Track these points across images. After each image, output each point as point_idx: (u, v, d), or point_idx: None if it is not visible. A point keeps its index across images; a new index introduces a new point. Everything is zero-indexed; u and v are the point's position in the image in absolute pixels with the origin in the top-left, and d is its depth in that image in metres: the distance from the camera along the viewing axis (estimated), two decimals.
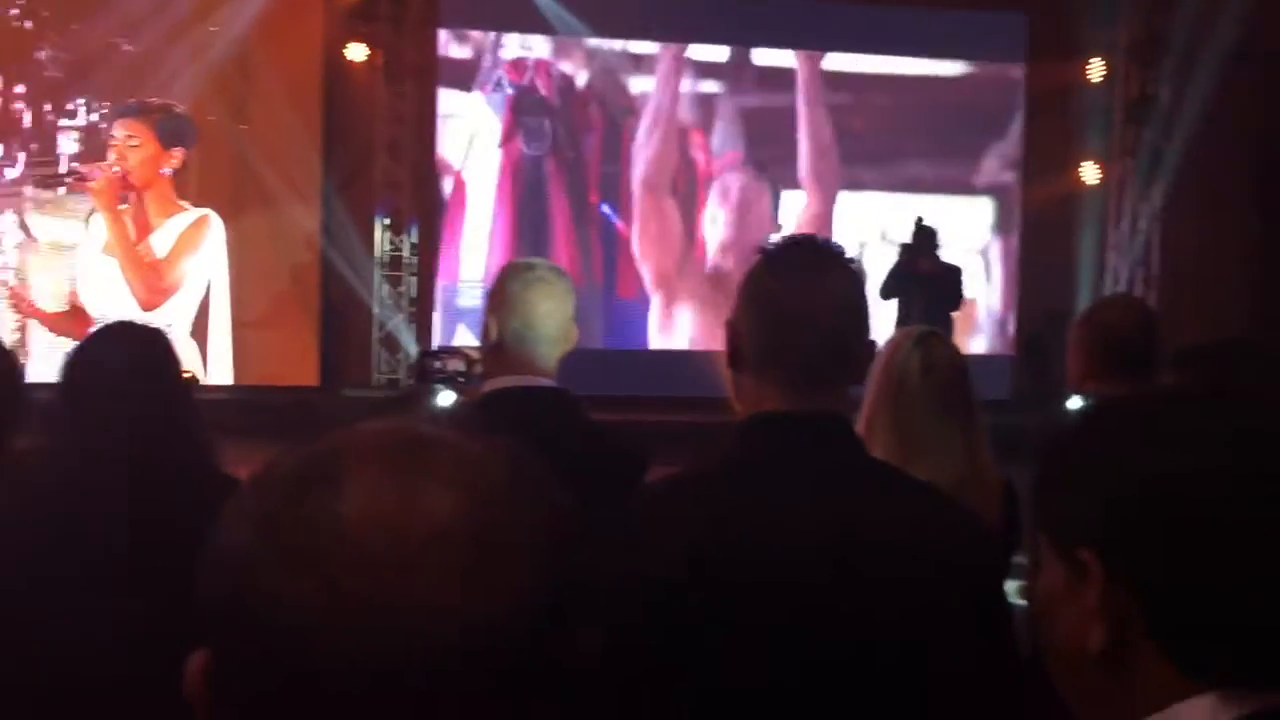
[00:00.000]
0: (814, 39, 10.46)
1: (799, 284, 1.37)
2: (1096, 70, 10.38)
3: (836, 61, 10.65)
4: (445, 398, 7.18)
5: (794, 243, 1.42)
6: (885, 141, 10.55)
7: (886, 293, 8.55)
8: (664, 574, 1.25)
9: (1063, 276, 10.49)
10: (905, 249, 8.61)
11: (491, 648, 0.61)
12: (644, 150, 10.41)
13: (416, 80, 9.90)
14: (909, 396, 2.27)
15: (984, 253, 10.88)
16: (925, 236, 8.54)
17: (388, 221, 9.92)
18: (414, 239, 10.00)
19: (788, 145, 10.55)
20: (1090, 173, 10.56)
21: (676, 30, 10.29)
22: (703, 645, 1.22)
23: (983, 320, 10.95)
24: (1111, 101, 10.49)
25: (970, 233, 10.62)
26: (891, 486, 1.37)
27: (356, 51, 9.62)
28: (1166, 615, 0.78)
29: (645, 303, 10.52)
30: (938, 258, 8.54)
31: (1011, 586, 2.48)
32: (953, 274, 8.62)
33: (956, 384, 2.32)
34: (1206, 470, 0.78)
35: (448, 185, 10.18)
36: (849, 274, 1.40)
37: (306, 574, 0.60)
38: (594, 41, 10.26)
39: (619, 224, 10.50)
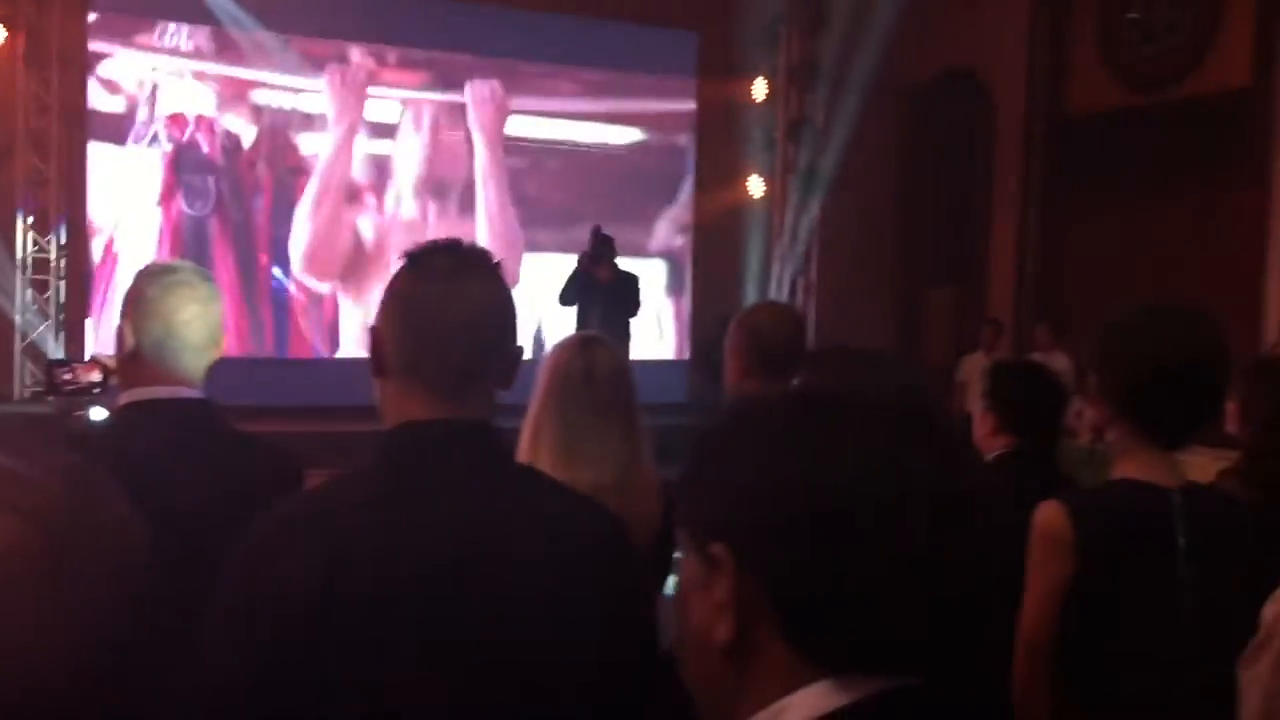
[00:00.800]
0: (492, 45, 10.49)
1: (443, 289, 1.34)
2: (759, 90, 11.01)
3: (514, 126, 10.76)
4: (97, 412, 6.65)
5: (438, 248, 1.39)
6: (561, 206, 10.70)
7: (565, 300, 8.69)
8: (296, 591, 1.19)
9: (733, 283, 11.07)
10: (583, 258, 8.72)
11: (76, 680, 0.56)
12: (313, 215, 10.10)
13: (65, 68, 9.13)
14: (572, 401, 2.29)
15: (658, 313, 11.25)
16: (603, 245, 8.68)
17: (30, 220, 9.08)
18: (62, 239, 9.21)
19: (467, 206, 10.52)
20: (756, 186, 11.20)
21: (347, 30, 10.01)
22: (334, 660, 1.18)
23: (663, 332, 11.38)
24: (774, 120, 11.16)
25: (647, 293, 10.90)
26: (533, 493, 1.37)
27: None
28: (792, 607, 0.81)
29: (316, 365, 10.16)
30: (615, 266, 8.72)
31: (673, 582, 2.58)
32: (630, 282, 8.82)
33: (618, 388, 2.37)
34: (828, 468, 0.82)
35: (99, 247, 9.45)
36: (495, 279, 1.38)
37: None
38: (263, 98, 9.88)
39: (290, 288, 10.11)
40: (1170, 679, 1.92)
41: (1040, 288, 11.04)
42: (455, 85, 10.60)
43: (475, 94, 10.63)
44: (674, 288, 11.53)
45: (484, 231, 10.57)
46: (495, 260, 1.41)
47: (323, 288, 10.19)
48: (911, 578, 0.81)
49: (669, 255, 11.45)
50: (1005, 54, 11.09)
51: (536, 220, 10.81)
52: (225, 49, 9.72)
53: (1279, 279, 8.98)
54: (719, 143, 11.11)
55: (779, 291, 10.88)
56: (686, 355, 11.41)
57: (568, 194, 10.73)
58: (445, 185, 10.52)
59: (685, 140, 11.40)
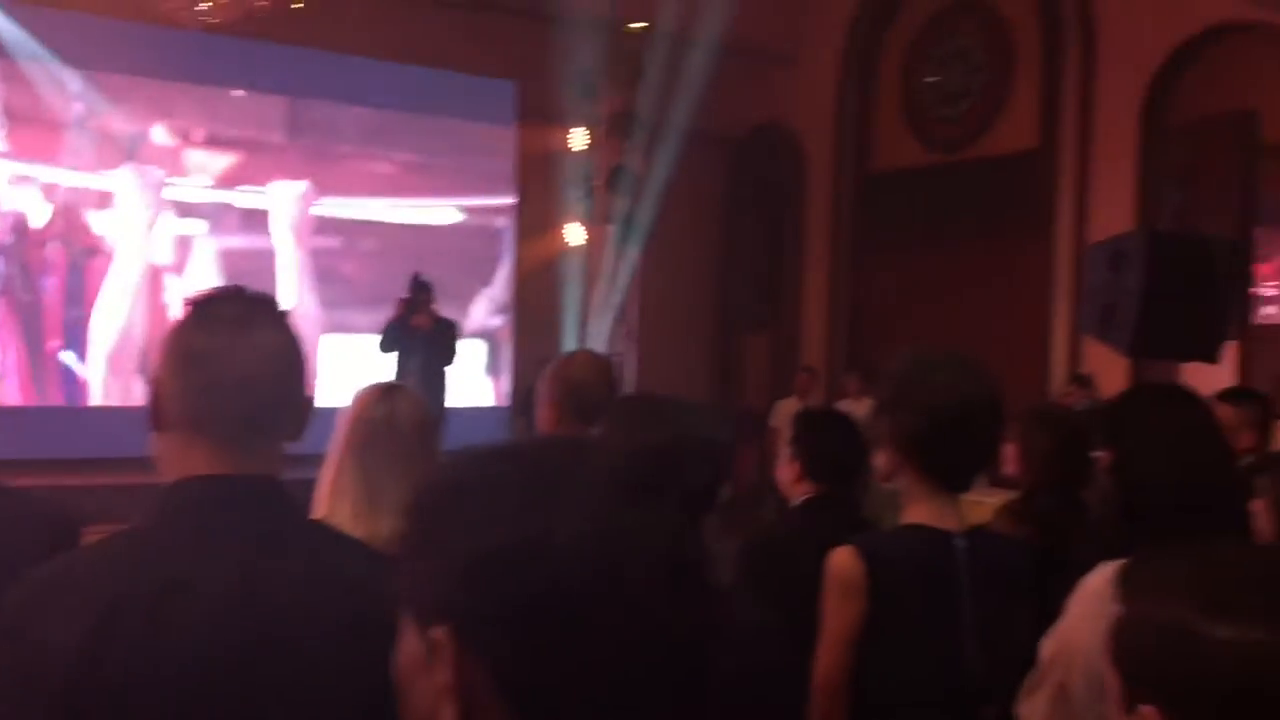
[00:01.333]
0: (308, 88, 10.27)
1: (227, 339, 1.28)
2: (579, 139, 11.11)
3: (326, 207, 10.48)
4: None
5: (222, 295, 1.34)
6: (375, 286, 10.28)
7: (384, 347, 8.54)
8: (54, 660, 1.11)
9: (553, 330, 11.08)
10: (401, 304, 8.60)
11: None
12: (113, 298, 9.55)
13: None
14: (374, 449, 2.24)
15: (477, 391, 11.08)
16: (421, 292, 8.58)
17: None
18: None
19: (268, 286, 10.12)
20: (575, 235, 11.27)
21: (150, 67, 9.55)
22: None
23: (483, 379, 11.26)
24: (593, 169, 11.28)
25: (465, 373, 10.50)
26: (323, 552, 1.32)
27: None
28: (517, 691, 0.75)
29: (109, 414, 9.38)
30: (434, 313, 8.62)
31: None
32: (447, 329, 8.74)
33: (422, 436, 2.33)
34: (546, 542, 0.75)
35: None
36: (283, 328, 1.34)
37: None
38: (55, 177, 9.30)
39: (81, 376, 9.47)
40: (955, 717, 2.00)
41: (849, 335, 11.46)
42: (264, 162, 10.17)
43: (281, 195, 10.26)
44: (492, 368, 11.39)
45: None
46: (282, 308, 1.37)
47: (120, 381, 9.61)
48: (641, 655, 0.76)
49: (486, 335, 11.32)
50: (816, 112, 11.56)
51: (349, 300, 10.50)
52: (17, 124, 9.14)
53: (1065, 326, 9.56)
54: (539, 191, 11.15)
55: (598, 338, 10.95)
56: (507, 402, 11.33)
57: (382, 274, 10.32)
58: (247, 273, 9.95)
59: (503, 223, 11.34)
